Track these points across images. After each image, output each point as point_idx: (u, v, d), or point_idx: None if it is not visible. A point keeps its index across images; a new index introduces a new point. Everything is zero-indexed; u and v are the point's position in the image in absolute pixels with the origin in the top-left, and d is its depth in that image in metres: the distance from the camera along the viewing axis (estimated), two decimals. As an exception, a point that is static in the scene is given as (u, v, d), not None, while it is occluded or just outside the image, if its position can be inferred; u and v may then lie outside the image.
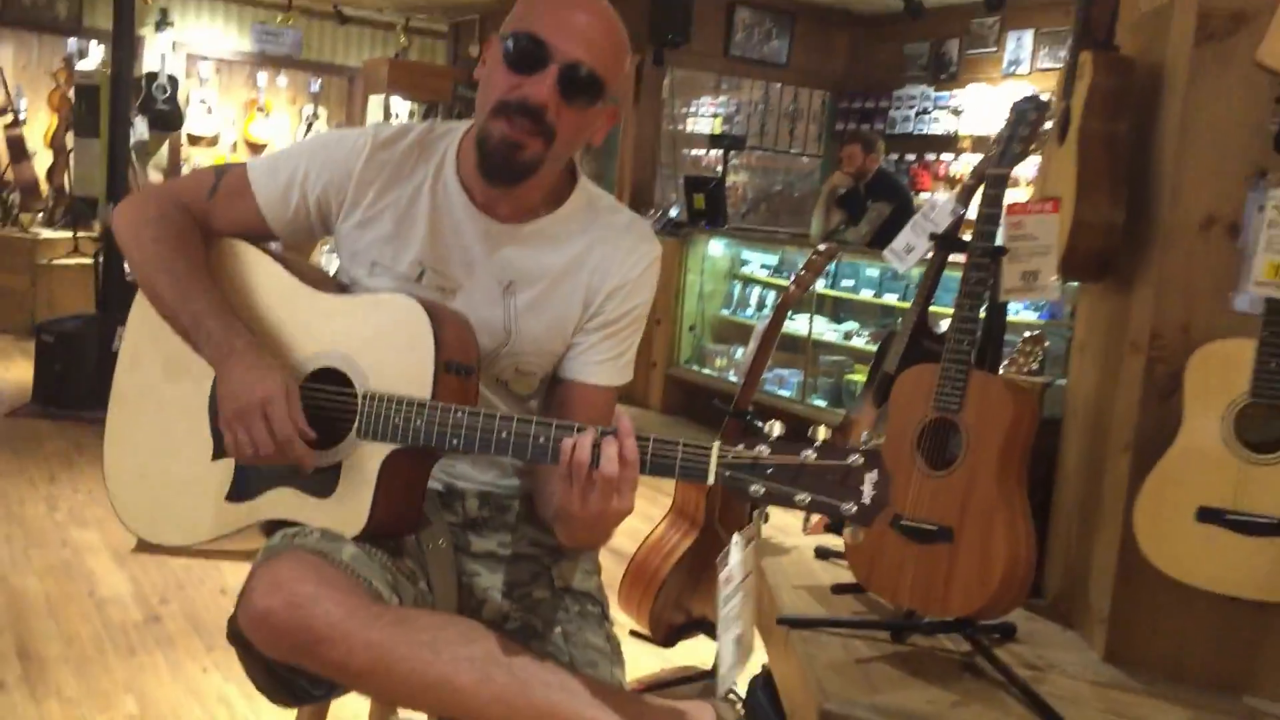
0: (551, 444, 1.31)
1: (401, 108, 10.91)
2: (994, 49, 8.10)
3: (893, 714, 1.85)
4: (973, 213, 2.45)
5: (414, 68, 10.61)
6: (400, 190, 1.57)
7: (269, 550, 1.41)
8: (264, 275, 1.57)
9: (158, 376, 1.58)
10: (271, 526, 1.52)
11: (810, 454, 1.23)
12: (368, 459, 1.43)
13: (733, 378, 6.82)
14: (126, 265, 1.63)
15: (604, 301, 1.58)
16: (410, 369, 1.42)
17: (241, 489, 1.51)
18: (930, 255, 2.49)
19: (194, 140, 12.06)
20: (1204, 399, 1.95)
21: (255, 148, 12.59)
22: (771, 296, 7.07)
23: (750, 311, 7.05)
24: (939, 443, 2.00)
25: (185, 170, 11.87)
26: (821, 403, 6.34)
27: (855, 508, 1.21)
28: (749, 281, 7.14)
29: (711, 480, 1.25)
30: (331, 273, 1.64)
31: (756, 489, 1.24)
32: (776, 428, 1.26)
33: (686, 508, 3.04)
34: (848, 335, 6.43)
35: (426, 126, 1.62)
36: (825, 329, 6.50)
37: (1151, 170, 2.18)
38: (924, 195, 8.36)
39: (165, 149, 11.41)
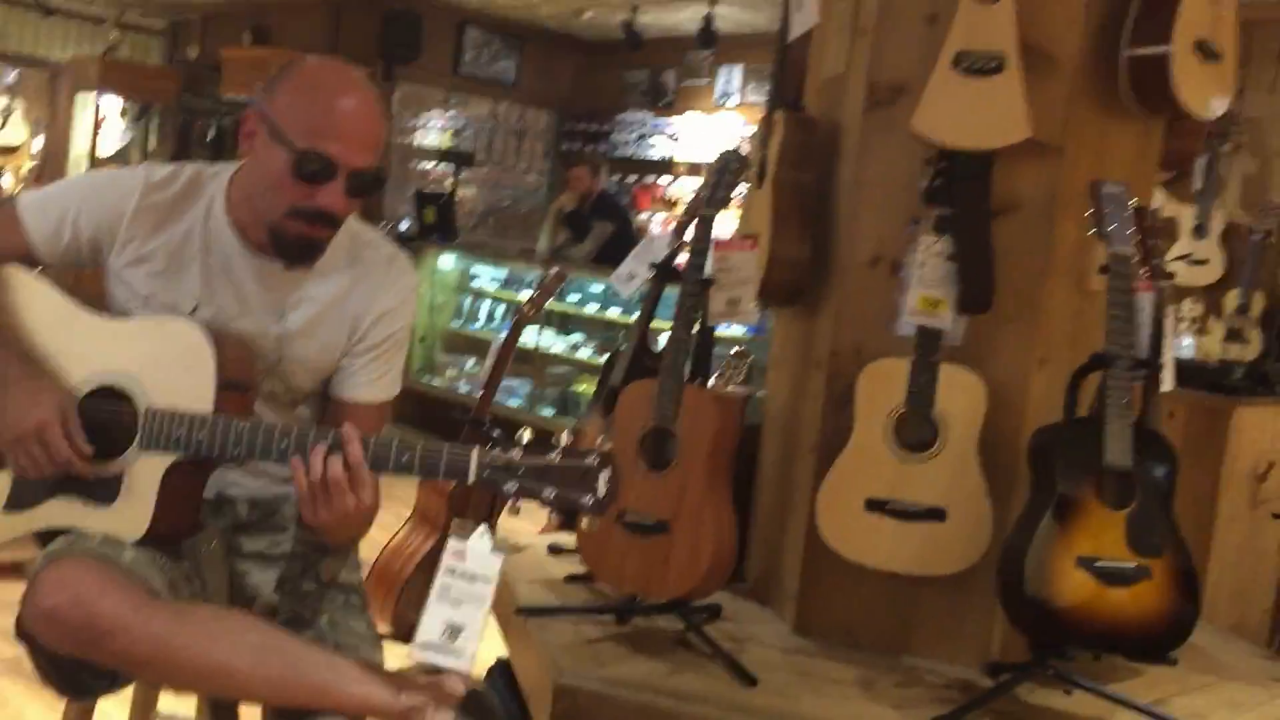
0: (329, 449, 1.50)
1: (113, 106, 10.42)
2: (707, 80, 8.67)
3: (618, 684, 2.12)
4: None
5: (128, 67, 10.16)
6: (172, 230, 1.69)
7: (50, 554, 1.51)
8: (41, 300, 1.66)
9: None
10: (46, 535, 1.62)
11: (555, 456, 1.47)
12: (149, 470, 1.56)
13: (464, 388, 7.00)
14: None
15: (369, 329, 1.77)
16: (192, 386, 1.56)
17: (19, 499, 1.60)
18: (650, 282, 2.80)
19: None
20: (870, 408, 2.33)
21: (-60, 140, 11.68)
22: (501, 309, 7.32)
23: (480, 324, 7.25)
24: (658, 447, 2.30)
25: None
26: (549, 412, 6.62)
27: (592, 500, 1.47)
28: (479, 295, 7.34)
29: (472, 479, 1.47)
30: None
31: (510, 486, 1.47)
32: (527, 434, 1.51)
33: (429, 513, 3.23)
34: (574, 347, 6.75)
35: (196, 169, 1.75)
36: (553, 341, 6.78)
37: (832, 214, 2.57)
38: (643, 215, 8.82)
39: None
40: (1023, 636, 2.21)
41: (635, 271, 2.68)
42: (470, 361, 7.17)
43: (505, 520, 3.43)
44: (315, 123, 1.59)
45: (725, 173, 2.37)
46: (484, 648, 3.35)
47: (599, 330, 6.85)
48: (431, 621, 1.51)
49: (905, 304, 2.30)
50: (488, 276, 7.36)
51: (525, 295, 7.05)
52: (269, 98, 1.63)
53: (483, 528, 1.53)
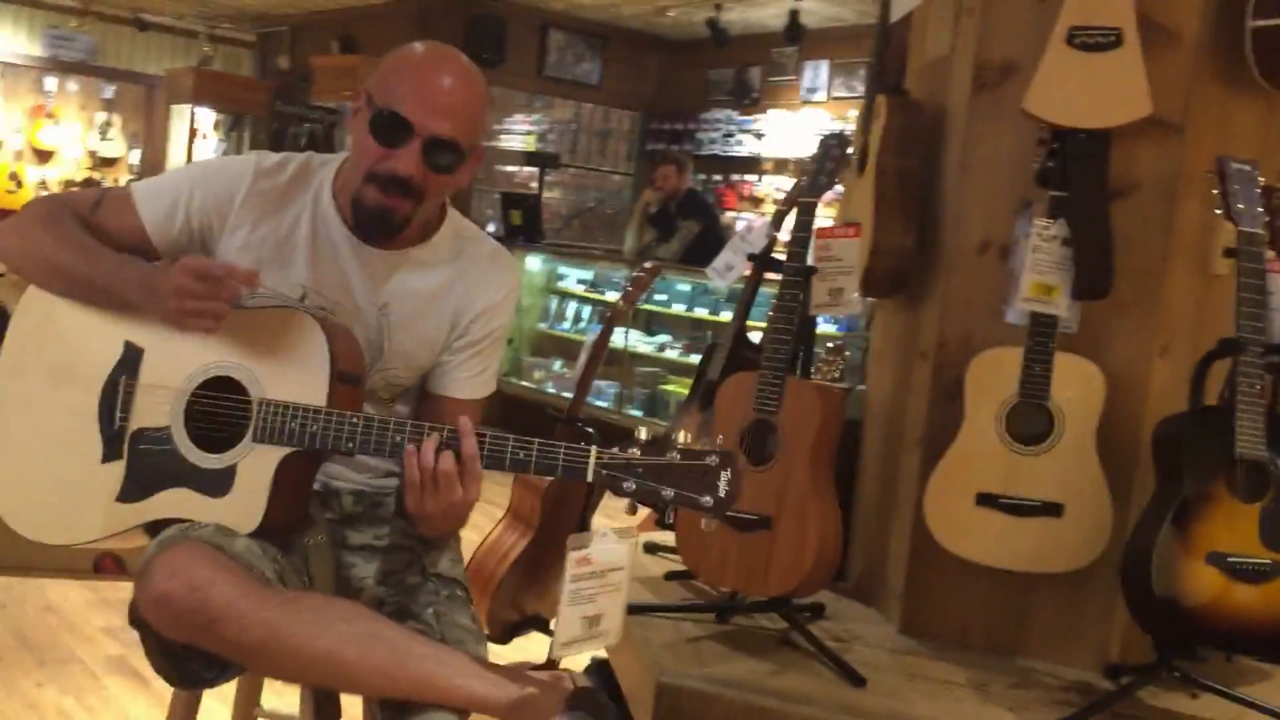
0: (443, 443, 1.47)
1: (207, 119, 10.66)
2: (793, 77, 8.58)
3: (722, 683, 2.07)
4: (784, 235, 2.72)
5: (221, 78, 10.38)
6: (281, 217, 1.69)
7: (164, 541, 1.51)
8: None
9: (41, 384, 1.65)
10: (155, 527, 1.62)
11: (675, 455, 1.43)
12: (263, 461, 1.55)
13: (551, 389, 7.00)
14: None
15: (470, 324, 1.75)
16: (306, 379, 1.55)
17: (133, 490, 1.60)
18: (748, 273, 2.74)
19: (-24, 147, 11.49)
20: (981, 399, 2.24)
21: (43, 155, 12.05)
22: (588, 310, 7.31)
23: (567, 325, 7.25)
24: (759, 441, 2.24)
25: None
26: (637, 412, 6.59)
27: (712, 501, 1.42)
28: (566, 296, 7.34)
29: (590, 478, 1.44)
30: None
31: (629, 485, 1.43)
32: (644, 432, 1.47)
33: (522, 511, 3.21)
34: (661, 348, 6.72)
35: (305, 158, 1.75)
36: (640, 342, 6.76)
37: (937, 201, 2.49)
38: (729, 214, 8.75)
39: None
40: (1147, 637, 2.11)
41: (732, 263, 2.62)
42: (558, 363, 7.17)
43: (598, 520, 3.40)
44: (399, 87, 1.60)
45: (827, 157, 2.30)
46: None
47: (686, 330, 6.80)
48: (569, 623, 1.51)
49: (1017, 291, 2.21)
50: (574, 278, 7.36)
51: (612, 296, 7.09)
52: (374, 77, 1.64)
53: (603, 529, 1.51)
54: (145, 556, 1.51)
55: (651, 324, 6.91)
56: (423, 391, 1.79)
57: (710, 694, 2.03)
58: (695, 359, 6.57)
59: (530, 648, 3.32)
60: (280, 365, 1.58)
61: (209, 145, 10.68)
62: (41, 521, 1.65)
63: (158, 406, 1.62)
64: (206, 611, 1.41)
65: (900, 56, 2.70)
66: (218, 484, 1.57)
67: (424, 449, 1.47)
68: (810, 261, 2.30)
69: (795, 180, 2.63)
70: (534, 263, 7.44)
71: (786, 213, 2.69)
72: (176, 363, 1.63)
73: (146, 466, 1.59)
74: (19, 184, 11.87)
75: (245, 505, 1.56)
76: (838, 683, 2.13)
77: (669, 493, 1.44)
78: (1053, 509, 2.17)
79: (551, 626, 3.30)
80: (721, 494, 1.44)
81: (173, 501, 1.58)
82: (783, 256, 2.33)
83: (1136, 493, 2.25)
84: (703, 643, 2.27)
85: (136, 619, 1.50)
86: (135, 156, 12.59)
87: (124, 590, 3.55)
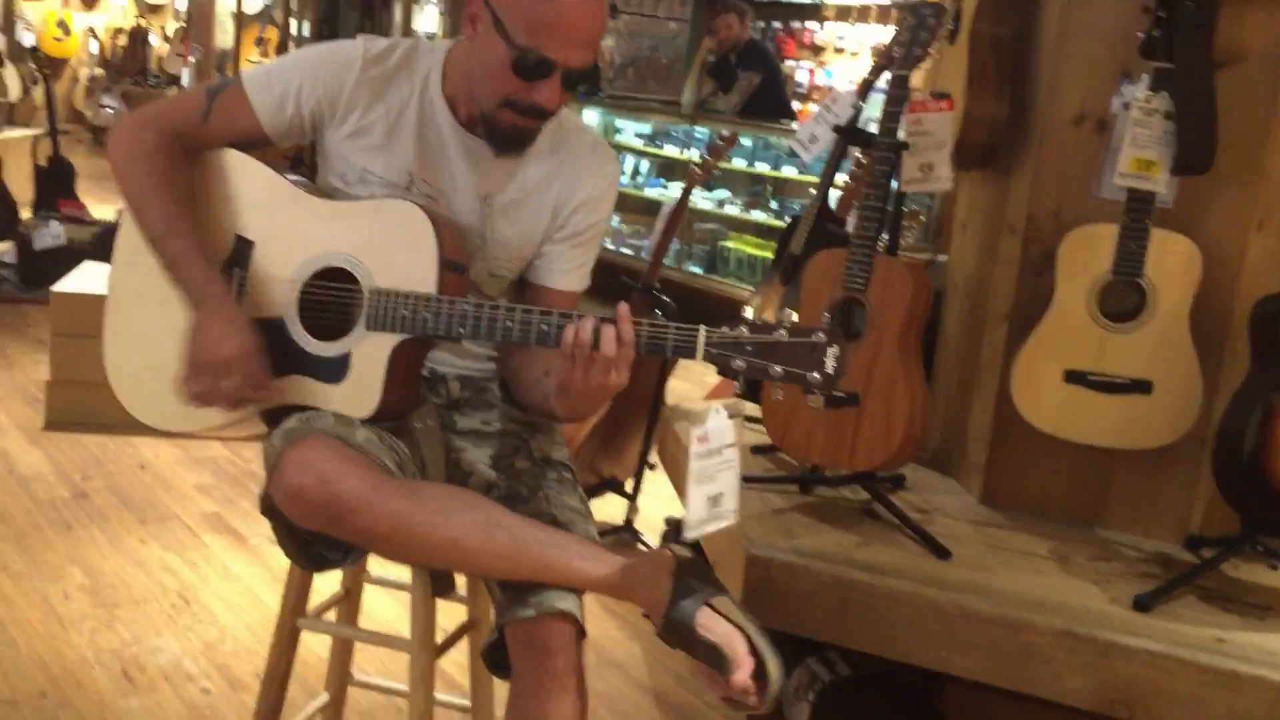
0: (553, 330, 1.50)
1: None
2: (858, -83, 8.26)
3: (808, 555, 2.13)
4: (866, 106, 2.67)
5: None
6: (388, 103, 1.69)
7: (289, 433, 1.56)
8: (265, 185, 1.68)
9: (156, 277, 1.68)
10: (272, 415, 1.67)
11: (782, 333, 1.45)
12: (376, 349, 1.59)
13: (609, 245, 6.99)
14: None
15: (570, 215, 1.75)
16: (415, 267, 1.57)
17: (250, 377, 1.65)
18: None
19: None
20: (1072, 276, 2.23)
21: (89, 1, 11.95)
22: (646, 165, 7.23)
23: (625, 180, 7.19)
24: (847, 318, 2.25)
25: (19, 26, 11.20)
26: (697, 269, 6.58)
27: (820, 377, 1.45)
28: (623, 150, 7.26)
29: (699, 356, 1.47)
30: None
31: (739, 364, 1.46)
32: (749, 311, 1.49)
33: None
34: (720, 204, 6.66)
35: (411, 44, 1.73)
36: (699, 198, 6.68)
37: (1032, 71, 2.43)
38: (790, 63, 8.54)
39: (-2, 5, 10.75)
40: (1228, 511, 2.14)
41: (817, 135, 2.58)
42: (615, 219, 7.13)
43: (672, 385, 3.45)
44: (539, 20, 1.54)
45: (921, 27, 2.23)
46: (658, 511, 3.40)
47: (746, 185, 6.73)
48: (696, 503, 1.56)
49: (1115, 165, 2.17)
50: (632, 131, 7.26)
51: (670, 150, 7.02)
52: None
53: (717, 405, 1.53)
54: (272, 450, 1.57)
55: (711, 180, 6.83)
56: (523, 282, 1.81)
57: (799, 566, 2.10)
58: (755, 215, 6.53)
59: (606, 508, 3.42)
60: (389, 254, 1.60)
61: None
62: (164, 410, 1.70)
63: (271, 297, 1.65)
64: (339, 504, 1.46)
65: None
66: (333, 371, 1.61)
67: (582, 326, 1.48)
68: (901, 136, 2.27)
69: (881, 51, 2.57)
70: (591, 116, 7.34)
71: (873, 83, 2.64)
72: (287, 254, 1.65)
73: (264, 353, 1.62)
74: (67, 31, 11.81)
75: (361, 391, 1.60)
76: (922, 554, 2.19)
77: (777, 370, 1.46)
78: (1142, 386, 2.18)
79: (627, 488, 3.40)
80: (829, 370, 1.46)
81: (291, 388, 1.62)
82: (871, 129, 2.29)
83: (1226, 368, 2.25)
84: (788, 514, 2.33)
85: (269, 508, 1.57)
86: (181, 2, 12.45)
87: (211, 448, 3.69)
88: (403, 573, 1.75)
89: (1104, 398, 2.20)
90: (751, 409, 2.61)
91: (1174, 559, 2.27)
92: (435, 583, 1.73)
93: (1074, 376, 2.22)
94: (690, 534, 1.60)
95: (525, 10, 1.55)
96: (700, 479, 1.55)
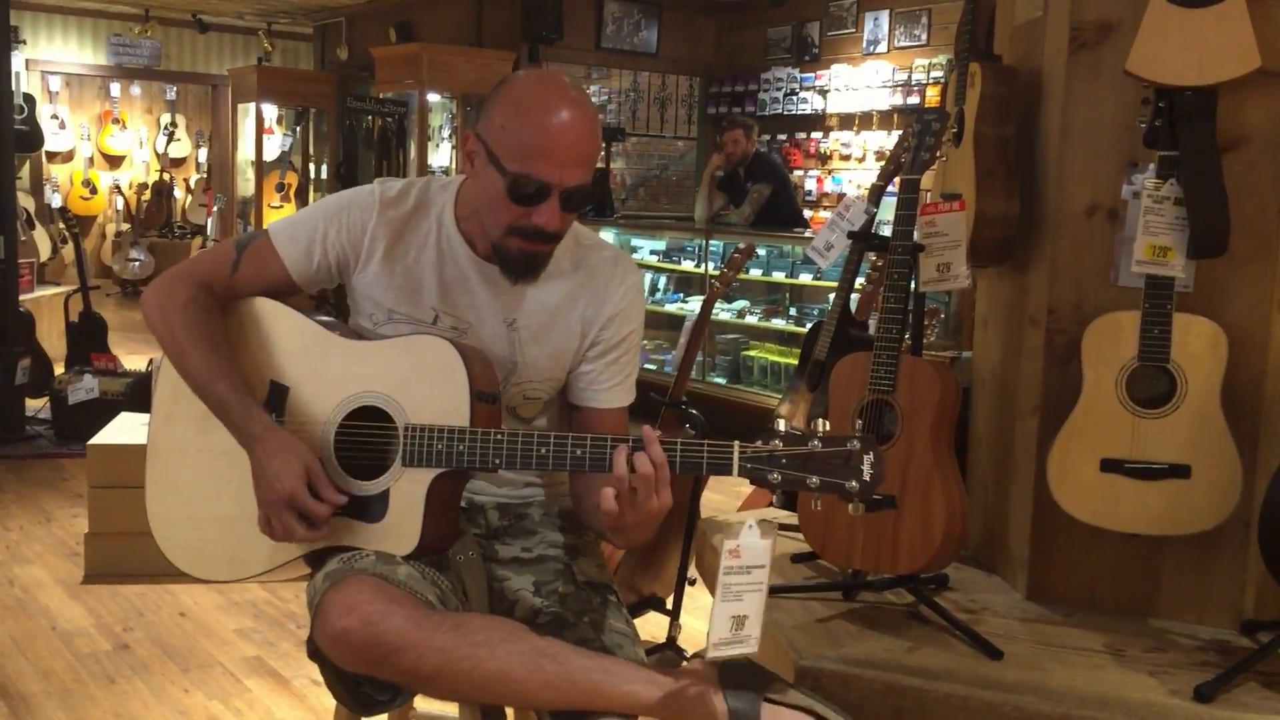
0: (587, 454, 1.52)
1: (271, 113, 10.81)
2: (853, 29, 8.47)
3: (858, 663, 2.10)
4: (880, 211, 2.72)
5: (283, 74, 10.51)
6: (407, 244, 1.74)
7: (331, 575, 1.57)
8: (297, 330, 1.73)
9: (194, 428, 1.72)
10: (315, 556, 1.69)
11: (816, 444, 1.46)
12: (414, 484, 1.61)
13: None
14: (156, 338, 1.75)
15: (600, 330, 1.79)
16: (447, 400, 1.60)
17: (292, 522, 1.67)
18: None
19: (50, 157, 11.77)
20: (1099, 365, 2.24)
21: (113, 159, 12.34)
22: (664, 280, 7.32)
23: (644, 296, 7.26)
24: (876, 421, 2.26)
25: (48, 188, 11.56)
26: (721, 380, 6.62)
27: (858, 485, 1.45)
28: (641, 267, 7.33)
29: (735, 473, 1.47)
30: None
31: (774, 476, 1.47)
32: (782, 423, 1.50)
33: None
34: (740, 314, 6.71)
35: (424, 183, 1.79)
36: (719, 309, 6.74)
37: (1039, 166, 2.47)
38: (797, 172, 8.69)
39: (27, 169, 11.12)
40: (1283, 593, 2.11)
41: (832, 242, 2.63)
42: (637, 335, 7.19)
43: (706, 497, 3.44)
44: (527, 146, 1.59)
45: (927, 133, 2.29)
46: (701, 627, 3.35)
47: (763, 294, 6.79)
48: (720, 622, 1.54)
49: (1131, 253, 2.19)
50: (647, 249, 7.36)
51: (687, 265, 7.11)
52: (485, 119, 1.65)
53: (750, 522, 1.53)
54: (315, 593, 1.57)
55: (729, 291, 6.89)
56: (570, 407, 1.83)
57: (850, 675, 2.07)
58: (776, 323, 6.58)
59: (649, 627, 3.38)
60: (420, 390, 1.63)
61: (275, 140, 10.84)
62: (209, 561, 1.72)
63: (308, 440, 1.68)
64: (384, 644, 1.47)
65: (986, 21, 2.67)
66: (373, 510, 1.63)
67: (616, 458, 1.50)
68: (915, 237, 2.30)
69: (889, 157, 2.62)
70: (606, 237, 7.46)
71: (884, 188, 2.69)
72: (321, 397, 1.69)
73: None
74: (93, 190, 12.17)
75: (401, 528, 1.62)
76: (974, 656, 2.15)
77: (814, 481, 1.47)
78: (1180, 471, 2.17)
79: (668, 605, 3.36)
80: (866, 477, 1.46)
81: (332, 530, 1.64)
82: (885, 233, 2.33)
83: (1263, 448, 2.24)
84: (834, 622, 2.30)
85: (315, 652, 1.57)
86: (202, 155, 12.83)
87: (250, 591, 3.69)
88: (450, 708, 1.74)
89: (1142, 485, 2.19)
90: (788, 517, 2.60)
91: (1231, 645, 2.23)
92: (485, 718, 1.71)
93: (1110, 465, 2.21)
94: (712, 655, 1.57)
95: (514, 138, 1.60)
96: (727, 595, 1.54)
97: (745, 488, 4.03)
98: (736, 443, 1.48)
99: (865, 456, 1.45)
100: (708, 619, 1.54)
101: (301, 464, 1.59)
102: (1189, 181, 2.14)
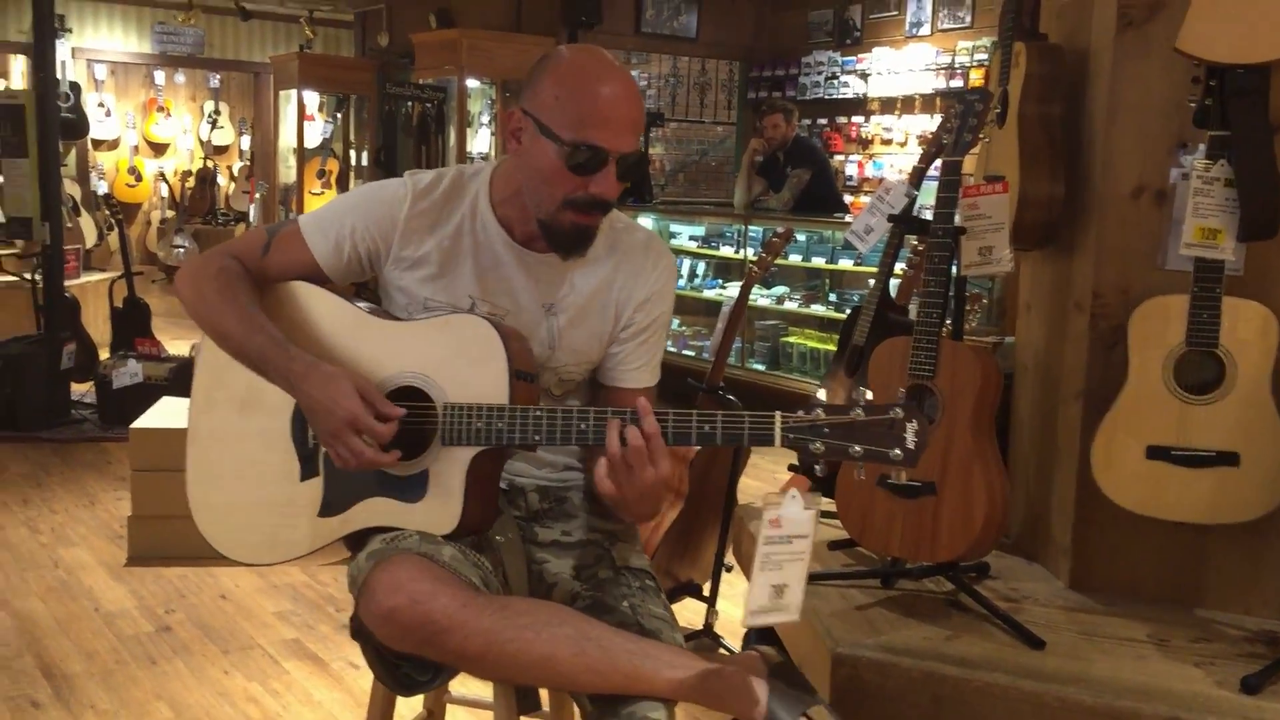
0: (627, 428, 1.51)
1: (313, 100, 10.86)
2: (895, 12, 8.36)
3: (897, 651, 2.08)
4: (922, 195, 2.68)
5: (324, 60, 10.55)
6: (442, 233, 1.73)
7: (376, 554, 1.57)
8: (332, 311, 1.73)
9: (233, 414, 1.73)
10: (355, 538, 1.69)
11: (859, 412, 1.44)
12: (454, 463, 1.60)
13: (671, 348, 7.02)
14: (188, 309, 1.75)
15: (633, 313, 1.78)
16: (486, 379, 1.59)
17: (332, 504, 1.67)
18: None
19: (96, 144, 11.90)
20: (1146, 349, 2.19)
21: (157, 147, 12.46)
22: (703, 266, 7.29)
23: (683, 282, 7.24)
24: (918, 406, 2.22)
25: (94, 176, 11.70)
26: (760, 366, 6.58)
27: (902, 453, 1.43)
28: (679, 254, 7.33)
29: (778, 442, 1.46)
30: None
31: (817, 446, 1.45)
32: (823, 393, 1.48)
33: (671, 481, 3.24)
34: (779, 300, 6.67)
35: (456, 171, 1.78)
36: (757, 295, 6.70)
37: (1085, 147, 2.42)
38: (838, 157, 8.62)
39: (73, 156, 11.25)
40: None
41: (872, 225, 2.59)
42: (675, 321, 7.18)
43: (744, 484, 3.42)
44: (584, 114, 1.60)
45: (970, 113, 2.25)
46: (738, 614, 3.34)
47: (802, 280, 6.74)
48: (759, 590, 1.52)
49: (1179, 236, 2.14)
50: (686, 235, 7.33)
51: (726, 251, 7.08)
52: (532, 94, 1.65)
53: (793, 492, 1.51)
54: (359, 572, 1.57)
55: (767, 276, 6.85)
56: (597, 385, 1.82)
57: (888, 663, 2.04)
58: (815, 309, 6.53)
59: (685, 613, 3.37)
60: (459, 369, 1.62)
61: (317, 127, 10.89)
62: (251, 545, 1.72)
63: None
64: (431, 624, 1.46)
65: (1033, -1, 2.62)
66: (413, 490, 1.63)
67: (609, 431, 1.50)
68: (957, 221, 2.27)
69: (930, 139, 2.58)
70: (645, 223, 7.44)
71: (925, 171, 2.65)
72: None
73: (343, 479, 1.65)
74: (139, 178, 12.29)
75: (442, 507, 1.61)
76: (1015, 645, 2.12)
77: (858, 449, 1.45)
78: (1229, 458, 2.12)
79: (705, 592, 3.35)
80: (910, 445, 1.44)
81: (372, 510, 1.64)
82: (926, 216, 2.29)
83: (1315, 436, 2.18)
84: (872, 610, 2.28)
85: (358, 631, 1.57)
86: (245, 142, 12.93)
87: (289, 574, 3.71)
88: (485, 690, 1.73)
89: (1189, 472, 2.15)
90: (826, 504, 2.57)
91: (1279, 636, 2.18)
92: (520, 699, 1.71)
93: (1156, 452, 2.16)
94: (748, 621, 1.56)
95: (569, 108, 1.60)
96: (766, 565, 1.51)
97: (782, 474, 4.00)
98: (778, 413, 1.46)
99: (909, 424, 1.43)
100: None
101: (352, 386, 1.58)
102: (1240, 162, 2.09)
